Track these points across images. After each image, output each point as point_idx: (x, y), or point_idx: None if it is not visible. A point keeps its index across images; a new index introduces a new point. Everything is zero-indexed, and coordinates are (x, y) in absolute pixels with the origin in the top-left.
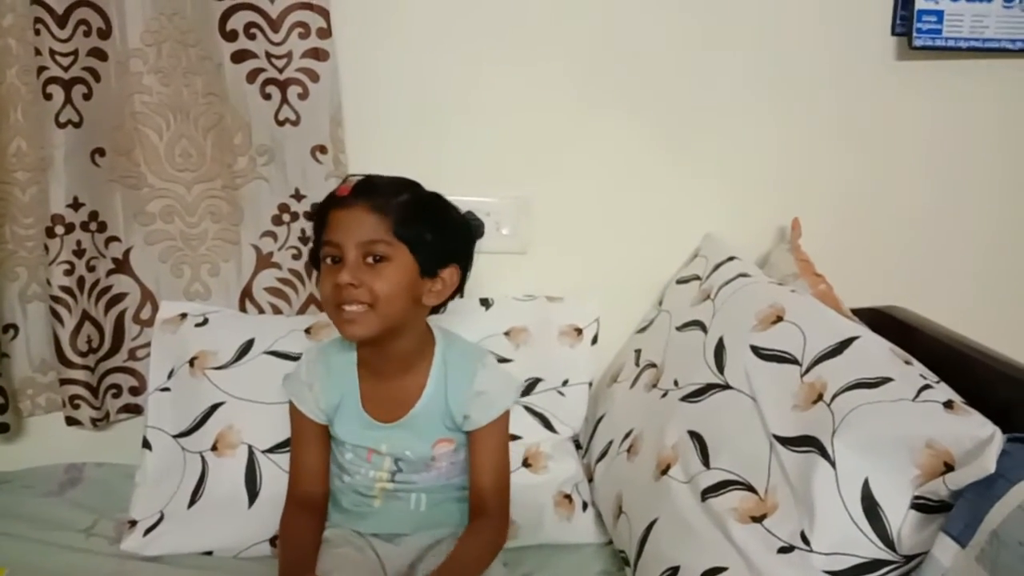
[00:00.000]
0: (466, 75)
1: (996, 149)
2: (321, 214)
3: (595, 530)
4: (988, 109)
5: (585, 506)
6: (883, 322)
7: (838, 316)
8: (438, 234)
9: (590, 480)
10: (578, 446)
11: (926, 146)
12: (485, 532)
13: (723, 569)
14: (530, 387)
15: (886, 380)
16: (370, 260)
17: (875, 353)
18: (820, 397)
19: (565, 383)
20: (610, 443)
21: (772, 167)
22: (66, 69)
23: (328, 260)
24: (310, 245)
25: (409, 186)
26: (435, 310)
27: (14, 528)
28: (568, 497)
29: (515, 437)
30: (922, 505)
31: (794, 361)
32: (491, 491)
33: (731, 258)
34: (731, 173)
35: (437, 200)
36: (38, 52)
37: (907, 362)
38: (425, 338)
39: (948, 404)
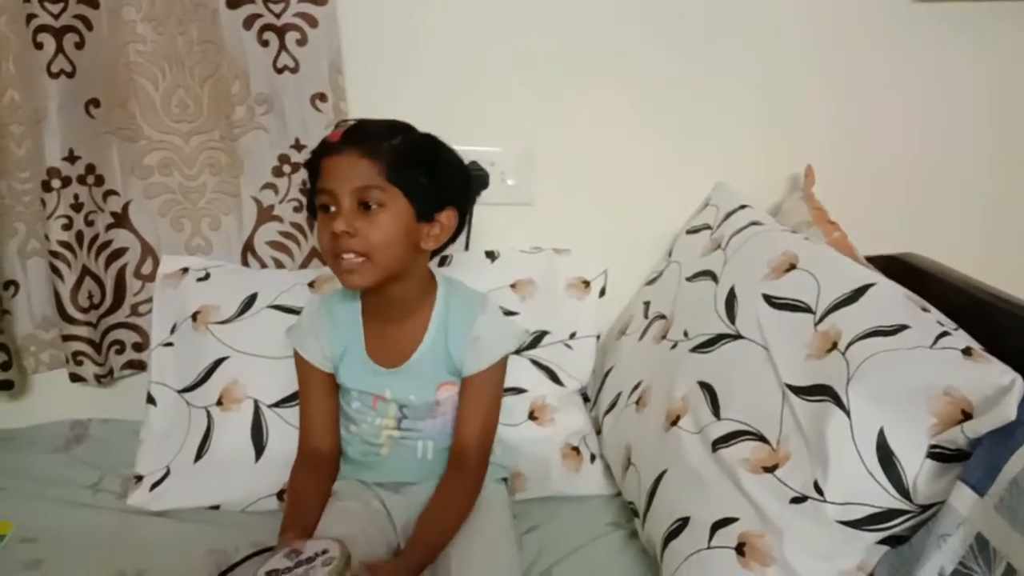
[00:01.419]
0: (470, 20)
1: (1008, 92)
2: (314, 162)
3: (603, 482)
4: (998, 52)
5: (593, 458)
6: (899, 269)
7: (853, 263)
8: (432, 176)
9: (598, 433)
10: (586, 399)
11: (938, 91)
12: (461, 494)
13: (734, 520)
14: (536, 340)
15: (903, 328)
16: (364, 207)
17: (891, 300)
18: (835, 346)
19: (572, 336)
20: (618, 395)
21: (783, 114)
22: (56, 17)
23: (323, 209)
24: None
25: (402, 129)
26: (437, 257)
27: (21, 485)
28: (576, 449)
29: (520, 390)
30: (939, 454)
31: (808, 310)
32: (475, 442)
33: (742, 206)
34: (742, 121)
35: (430, 141)
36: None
37: (924, 309)
38: (427, 283)
39: (967, 351)
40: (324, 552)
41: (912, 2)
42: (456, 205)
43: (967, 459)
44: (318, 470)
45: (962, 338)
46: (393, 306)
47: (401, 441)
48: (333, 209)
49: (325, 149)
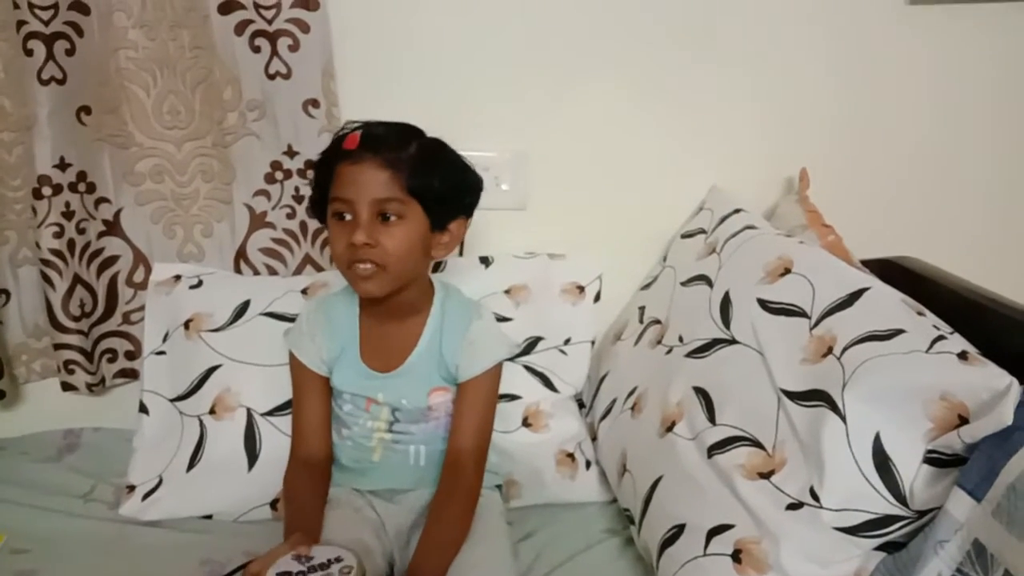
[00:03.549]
0: (463, 24)
1: (1007, 94)
2: (327, 165)
3: (599, 489)
4: (994, 55)
5: (588, 465)
6: (894, 273)
7: (848, 267)
8: (449, 187)
9: (593, 439)
10: (581, 405)
11: (935, 92)
12: (457, 508)
13: (730, 526)
14: (531, 346)
15: (898, 332)
16: (382, 218)
17: (886, 304)
18: (830, 350)
19: (567, 342)
20: (614, 401)
21: (778, 117)
22: (47, 23)
23: (337, 216)
24: (305, 203)
25: (414, 134)
26: (435, 268)
27: (12, 494)
28: (571, 456)
29: (515, 397)
30: (935, 459)
31: (803, 314)
32: (470, 451)
33: (737, 210)
34: (736, 124)
35: (443, 149)
36: (16, 6)
37: (920, 313)
38: (426, 288)
39: (963, 355)
40: (338, 560)
41: (907, 4)
42: (466, 214)
43: (964, 464)
44: (313, 473)
45: (958, 342)
46: (392, 311)
47: (393, 446)
48: (349, 217)
49: (341, 155)
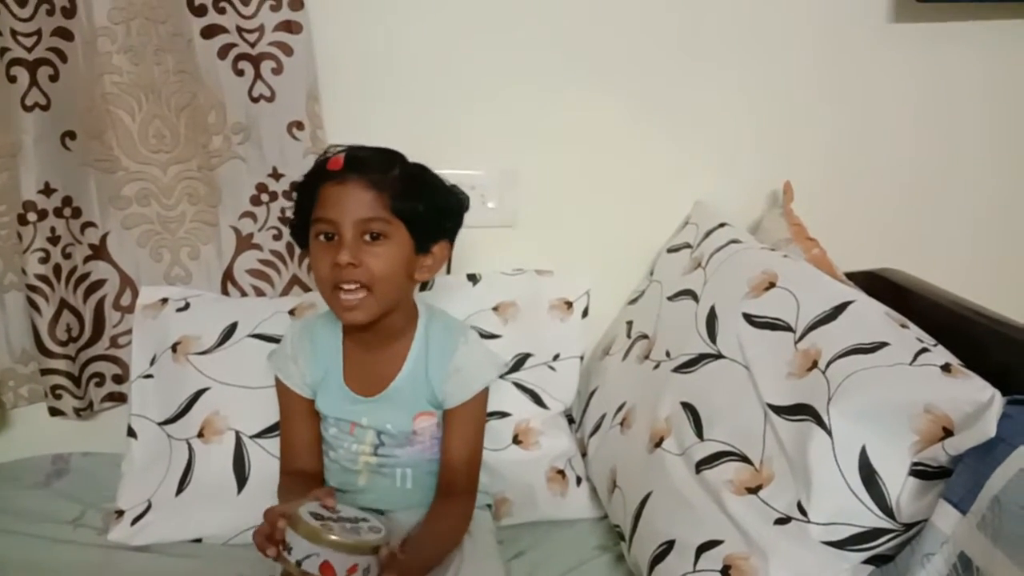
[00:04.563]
0: (447, 44)
1: (989, 110)
2: (309, 188)
3: (590, 505)
4: (979, 70)
5: (579, 481)
6: (878, 285)
7: (832, 281)
8: (432, 209)
9: (584, 455)
10: (571, 421)
11: (918, 107)
12: (455, 512)
13: (719, 542)
14: (520, 363)
15: (882, 345)
16: (367, 238)
17: (870, 317)
18: (815, 364)
19: (556, 357)
20: (603, 417)
21: (762, 131)
22: (30, 50)
23: (321, 237)
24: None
25: (397, 158)
26: (423, 286)
27: (1, 521)
28: (561, 473)
29: (504, 414)
30: (921, 472)
31: (788, 328)
32: (462, 471)
33: (722, 224)
34: (721, 138)
35: (426, 173)
36: None
37: (903, 326)
38: (410, 312)
39: (946, 367)
40: (365, 520)
41: (888, 23)
42: (449, 238)
43: (949, 476)
44: (307, 480)
45: (941, 354)
46: (376, 335)
47: (379, 470)
48: (333, 238)
49: (325, 176)
